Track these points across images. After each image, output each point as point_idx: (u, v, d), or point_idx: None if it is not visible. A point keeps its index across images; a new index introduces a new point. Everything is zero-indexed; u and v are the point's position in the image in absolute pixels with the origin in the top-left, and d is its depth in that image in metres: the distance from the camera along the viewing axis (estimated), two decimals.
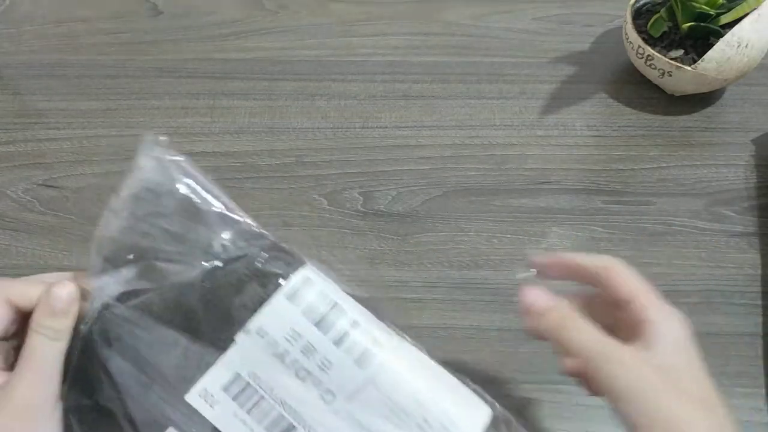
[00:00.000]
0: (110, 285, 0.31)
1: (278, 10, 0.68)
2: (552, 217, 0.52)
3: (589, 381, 0.31)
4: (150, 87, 0.61)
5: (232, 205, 0.33)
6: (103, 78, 0.62)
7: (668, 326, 0.31)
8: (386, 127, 0.58)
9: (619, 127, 0.58)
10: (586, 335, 0.31)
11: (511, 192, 0.53)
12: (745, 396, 0.44)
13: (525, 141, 0.57)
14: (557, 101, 0.59)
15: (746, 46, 0.52)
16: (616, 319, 0.32)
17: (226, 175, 0.55)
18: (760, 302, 0.48)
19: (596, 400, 0.43)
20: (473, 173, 0.55)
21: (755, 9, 0.52)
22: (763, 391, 0.44)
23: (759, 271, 0.49)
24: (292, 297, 0.30)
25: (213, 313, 0.30)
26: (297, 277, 0.31)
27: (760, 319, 0.47)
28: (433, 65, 0.62)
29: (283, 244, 0.32)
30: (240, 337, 0.30)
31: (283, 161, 0.56)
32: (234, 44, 0.65)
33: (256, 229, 0.32)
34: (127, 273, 0.31)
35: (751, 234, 0.51)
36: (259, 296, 0.30)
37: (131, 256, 0.31)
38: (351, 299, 0.31)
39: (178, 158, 0.34)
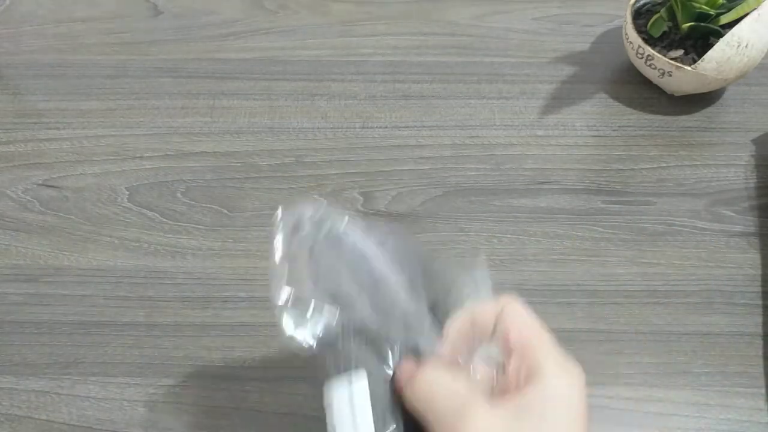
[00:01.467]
0: None
1: (278, 10, 0.68)
2: (552, 217, 0.52)
3: None
4: (150, 87, 0.61)
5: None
6: (103, 78, 0.62)
7: (557, 384, 0.27)
8: (386, 127, 0.58)
9: (619, 127, 0.58)
10: (445, 390, 0.28)
11: (511, 192, 0.53)
12: (745, 396, 0.44)
13: (525, 141, 0.57)
14: (557, 101, 0.59)
15: (746, 46, 0.52)
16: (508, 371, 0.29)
17: (226, 175, 0.55)
18: (760, 302, 0.48)
19: (596, 400, 0.44)
20: (473, 173, 0.55)
21: (755, 9, 0.52)
22: (763, 391, 0.44)
23: (759, 271, 0.49)
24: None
25: None
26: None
27: (760, 319, 0.47)
28: (433, 65, 0.62)
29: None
30: None
31: (283, 161, 0.56)
32: (234, 44, 0.65)
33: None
34: None
35: (751, 234, 0.51)
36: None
37: None
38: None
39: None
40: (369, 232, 0.33)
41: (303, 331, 0.31)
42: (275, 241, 0.32)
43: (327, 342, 0.31)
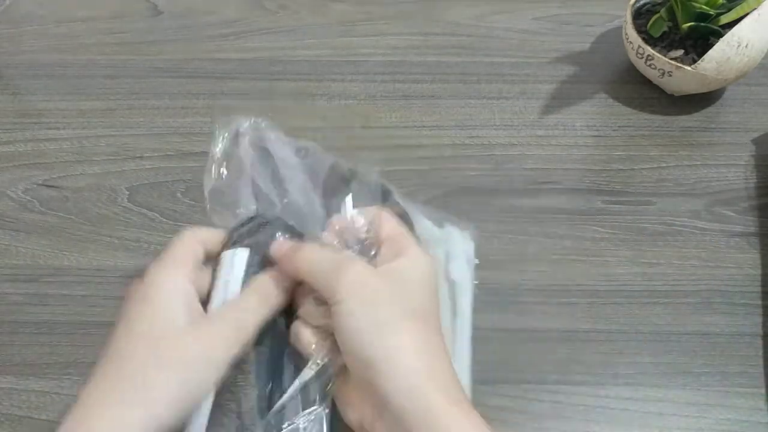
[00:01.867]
0: None
1: (278, 10, 0.68)
2: (552, 217, 0.52)
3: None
4: (150, 87, 0.61)
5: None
6: (103, 78, 0.62)
7: (418, 259, 0.35)
8: (386, 127, 0.58)
9: (619, 127, 0.58)
10: (319, 253, 0.35)
11: (511, 192, 0.53)
12: (745, 396, 0.44)
13: (525, 141, 0.57)
14: (557, 101, 0.59)
15: (746, 46, 0.52)
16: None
17: None
18: (760, 302, 0.48)
19: (596, 400, 0.44)
20: (473, 173, 0.55)
21: (755, 9, 0.52)
22: (763, 391, 0.44)
23: (759, 271, 0.49)
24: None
25: None
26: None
27: (760, 319, 0.47)
28: (433, 65, 0.62)
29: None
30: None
31: None
32: (234, 44, 0.65)
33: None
34: None
35: (751, 234, 0.51)
36: None
37: None
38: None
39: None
40: (289, 144, 0.42)
41: (225, 217, 0.40)
42: (216, 143, 0.42)
43: (245, 228, 0.39)
